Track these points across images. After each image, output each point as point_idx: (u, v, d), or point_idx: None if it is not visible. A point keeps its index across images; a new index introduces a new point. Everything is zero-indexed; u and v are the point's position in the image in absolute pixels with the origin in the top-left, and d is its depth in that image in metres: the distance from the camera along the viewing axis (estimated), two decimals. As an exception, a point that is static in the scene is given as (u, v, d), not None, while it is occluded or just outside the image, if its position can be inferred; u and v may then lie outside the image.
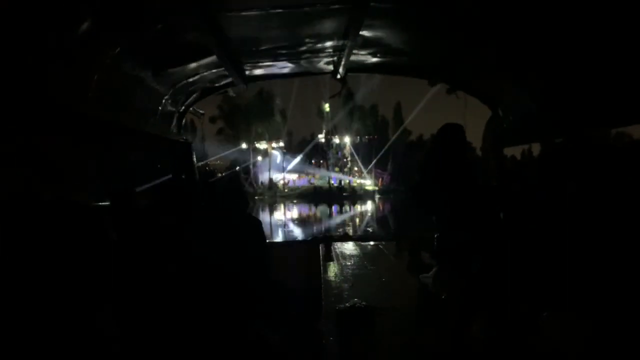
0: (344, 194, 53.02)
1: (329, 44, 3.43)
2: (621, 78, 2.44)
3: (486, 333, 2.20)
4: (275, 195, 54.21)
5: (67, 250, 2.20)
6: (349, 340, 2.25)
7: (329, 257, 4.52)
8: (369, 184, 58.03)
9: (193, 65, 3.49)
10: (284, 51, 3.54)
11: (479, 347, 2.13)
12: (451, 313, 2.55)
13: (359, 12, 2.64)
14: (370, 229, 26.97)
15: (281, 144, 61.56)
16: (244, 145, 58.48)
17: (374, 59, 3.81)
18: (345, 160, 63.82)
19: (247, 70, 4.01)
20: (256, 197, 49.22)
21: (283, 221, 33.62)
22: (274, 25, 2.93)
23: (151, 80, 3.29)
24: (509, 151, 4.38)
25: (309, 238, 6.23)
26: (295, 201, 49.82)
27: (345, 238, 5.93)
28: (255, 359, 2.99)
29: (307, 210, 43.29)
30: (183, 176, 4.41)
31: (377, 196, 53.60)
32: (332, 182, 57.21)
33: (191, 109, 4.52)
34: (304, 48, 3.49)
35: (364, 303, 2.33)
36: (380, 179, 60.42)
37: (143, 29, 2.55)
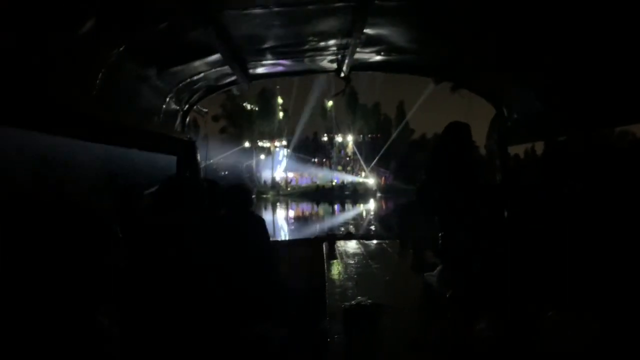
0: (346, 192, 53.07)
1: (332, 42, 3.42)
2: (627, 76, 2.43)
3: (491, 332, 2.19)
4: (278, 193, 54.29)
5: (71, 247, 2.20)
6: (354, 339, 2.25)
7: (332, 256, 4.52)
8: (371, 182, 58.02)
9: (197, 63, 3.49)
10: (287, 49, 3.54)
11: (484, 346, 2.12)
12: (455, 312, 2.55)
13: (363, 10, 2.63)
14: (372, 228, 26.98)
15: (284, 142, 61.62)
16: (246, 144, 58.55)
17: (378, 57, 3.80)
18: (348, 159, 63.82)
19: (250, 68, 4.00)
20: (260, 195, 49.32)
21: (286, 219, 33.68)
22: (278, 23, 2.93)
23: (155, 79, 3.30)
24: (512, 150, 4.37)
25: (312, 236, 6.23)
26: (297, 199, 49.86)
27: (348, 236, 5.92)
28: (259, 358, 3.00)
29: (309, 208, 43.34)
30: (187, 174, 4.42)
31: (378, 194, 53.60)
32: (335, 180, 57.25)
33: (195, 107, 4.53)
34: (307, 46, 3.49)
35: (369, 301, 2.32)
36: (383, 178, 60.41)
37: (147, 28, 2.55)
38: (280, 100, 58.56)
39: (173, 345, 2.18)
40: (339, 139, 63.62)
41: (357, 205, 44.73)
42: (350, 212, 39.09)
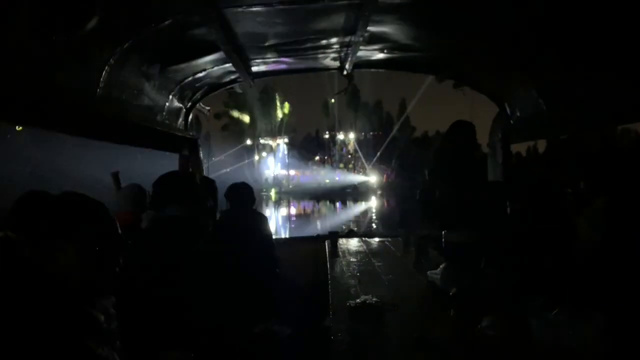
0: (347, 190, 53.09)
1: (335, 39, 3.42)
2: (630, 74, 2.42)
3: (494, 331, 2.20)
4: (280, 191, 54.33)
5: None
6: (359, 337, 2.25)
7: (335, 254, 4.52)
8: (372, 180, 58.01)
9: (200, 61, 3.49)
10: (290, 47, 3.53)
11: (488, 344, 2.12)
12: (459, 310, 2.55)
13: (367, 7, 2.63)
14: (374, 225, 26.95)
15: (286, 140, 61.60)
16: (248, 142, 58.57)
17: (381, 55, 3.80)
18: (349, 156, 63.81)
19: (253, 66, 4.00)
20: (262, 193, 49.38)
21: (288, 216, 33.70)
22: (281, 21, 2.93)
23: (158, 77, 3.30)
24: (515, 147, 4.36)
25: (315, 234, 6.23)
26: (299, 197, 49.87)
27: (351, 234, 5.91)
28: (264, 356, 3.00)
29: (310, 206, 43.34)
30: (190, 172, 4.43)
31: (379, 192, 53.58)
32: (337, 178, 57.26)
33: (197, 105, 4.53)
34: (310, 44, 3.48)
35: (374, 299, 2.33)
36: (385, 175, 60.38)
37: (150, 25, 2.55)
38: (280, 98, 58.51)
39: (176, 340, 2.18)
40: (340, 136, 63.59)
41: (359, 202, 44.71)
42: (352, 210, 39.07)
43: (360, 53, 3.61)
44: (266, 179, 57.83)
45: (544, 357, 1.80)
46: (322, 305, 3.06)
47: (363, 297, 2.54)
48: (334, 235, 5.03)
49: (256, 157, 59.00)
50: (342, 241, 5.17)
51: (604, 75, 2.62)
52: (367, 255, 4.44)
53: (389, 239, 5.25)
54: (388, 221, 26.64)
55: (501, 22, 2.77)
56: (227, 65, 3.66)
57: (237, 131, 57.61)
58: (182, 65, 3.41)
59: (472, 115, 4.42)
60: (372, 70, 4.28)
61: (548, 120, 3.40)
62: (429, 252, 3.69)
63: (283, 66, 4.16)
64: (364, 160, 60.43)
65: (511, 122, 4.04)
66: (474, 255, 2.99)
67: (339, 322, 2.44)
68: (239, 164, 53.58)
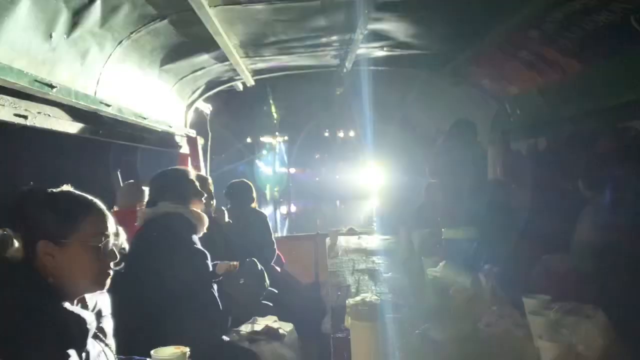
0: (348, 188, 53.14)
1: (335, 37, 3.41)
2: (629, 71, 2.42)
3: (494, 328, 2.19)
4: (280, 189, 54.32)
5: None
6: (357, 335, 2.24)
7: (335, 251, 4.52)
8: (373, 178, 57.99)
9: (199, 59, 3.48)
10: (289, 45, 3.52)
11: (488, 342, 2.12)
12: (459, 307, 2.55)
13: (367, 4, 2.62)
14: (374, 223, 26.94)
15: (285, 137, 61.61)
16: (248, 140, 58.64)
17: (381, 53, 3.79)
18: (350, 154, 63.79)
19: (253, 64, 3.99)
20: (261, 191, 49.31)
21: (288, 214, 33.68)
22: (280, 19, 2.91)
23: (157, 74, 3.29)
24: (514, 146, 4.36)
25: (315, 232, 6.23)
26: (299, 195, 49.86)
27: (350, 232, 5.92)
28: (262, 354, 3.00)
29: (310, 204, 43.39)
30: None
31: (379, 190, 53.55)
32: (337, 176, 57.27)
33: (197, 103, 4.52)
34: (310, 42, 3.47)
35: (374, 297, 2.32)
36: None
37: (149, 22, 2.54)
38: (283, 96, 58.44)
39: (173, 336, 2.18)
40: (340, 134, 63.72)
41: (359, 200, 44.70)
42: (352, 208, 39.11)
43: (360, 51, 3.60)
44: (266, 177, 57.90)
45: (544, 356, 1.79)
46: (321, 303, 3.06)
47: (362, 295, 2.53)
48: (333, 233, 5.03)
49: (256, 155, 59.12)
50: (342, 239, 5.17)
51: (603, 72, 2.62)
52: (366, 252, 4.44)
53: (389, 237, 5.25)
54: (388, 219, 26.62)
55: (501, 20, 2.76)
56: (227, 63, 3.65)
57: (238, 129, 57.73)
58: (181, 63, 3.39)
59: (473, 113, 4.42)
60: (372, 68, 4.26)
61: (547, 119, 3.39)
62: (429, 250, 3.69)
63: (282, 64, 4.15)
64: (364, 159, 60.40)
65: (511, 120, 4.04)
66: (473, 253, 2.99)
67: (338, 320, 2.44)
68: (239, 162, 53.63)
